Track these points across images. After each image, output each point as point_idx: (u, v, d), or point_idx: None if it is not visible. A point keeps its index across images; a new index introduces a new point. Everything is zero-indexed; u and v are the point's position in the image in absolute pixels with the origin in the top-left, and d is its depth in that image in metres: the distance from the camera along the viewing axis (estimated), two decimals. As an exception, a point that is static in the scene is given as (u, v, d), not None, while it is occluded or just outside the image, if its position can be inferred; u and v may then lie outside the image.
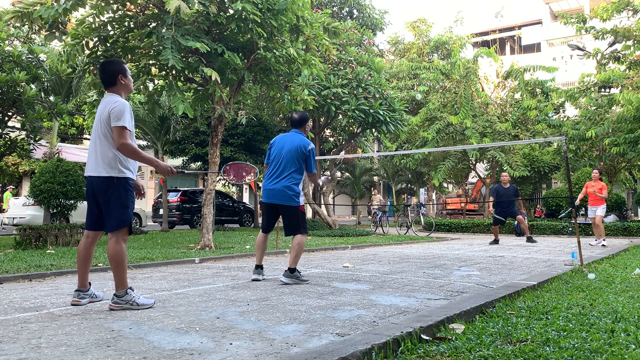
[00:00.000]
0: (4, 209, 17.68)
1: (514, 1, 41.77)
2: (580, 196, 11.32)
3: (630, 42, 15.50)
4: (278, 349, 2.55)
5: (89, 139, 24.27)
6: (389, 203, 30.10)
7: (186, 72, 8.71)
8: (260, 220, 25.04)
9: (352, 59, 14.85)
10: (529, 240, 11.47)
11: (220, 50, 7.93)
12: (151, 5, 8.53)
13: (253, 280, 5.07)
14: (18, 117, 10.35)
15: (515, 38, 43.95)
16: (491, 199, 12.05)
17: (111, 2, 8.06)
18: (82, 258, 3.75)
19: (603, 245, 10.17)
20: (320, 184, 5.62)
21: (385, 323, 3.04)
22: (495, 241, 11.23)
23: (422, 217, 16.62)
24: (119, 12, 8.48)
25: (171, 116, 15.18)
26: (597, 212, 10.71)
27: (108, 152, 3.61)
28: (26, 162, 21.31)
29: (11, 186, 22.09)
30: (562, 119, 19.70)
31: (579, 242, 6.35)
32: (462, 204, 26.57)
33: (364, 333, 2.63)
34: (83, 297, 3.77)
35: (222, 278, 5.32)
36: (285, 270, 4.96)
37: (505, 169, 17.01)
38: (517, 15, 42.71)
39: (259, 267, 5.15)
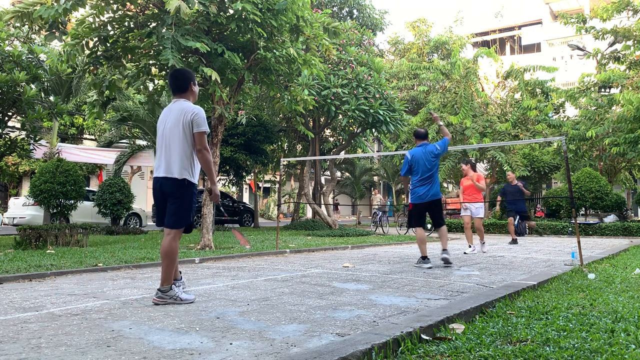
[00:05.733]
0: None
1: (514, 1, 41.81)
2: (461, 198, 9.33)
3: (630, 42, 15.52)
4: (278, 349, 2.55)
5: (89, 139, 24.41)
6: (389, 203, 30.10)
7: (186, 72, 8.70)
8: (259, 220, 25.21)
9: (352, 59, 14.84)
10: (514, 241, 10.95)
11: (220, 50, 7.92)
12: (151, 5, 8.52)
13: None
14: (18, 117, 10.35)
15: (515, 38, 44.00)
16: (498, 198, 12.03)
17: (111, 2, 8.06)
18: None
19: (483, 251, 8.88)
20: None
21: (385, 323, 3.04)
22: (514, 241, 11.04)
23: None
24: (119, 12, 8.47)
25: (171, 116, 15.15)
26: (478, 214, 9.04)
27: (184, 156, 3.88)
28: (26, 162, 21.31)
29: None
30: (562, 119, 19.72)
31: (579, 242, 6.35)
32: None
33: (364, 333, 2.63)
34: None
35: (222, 278, 5.32)
36: (444, 249, 6.57)
37: (505, 169, 17.02)
38: (517, 15, 42.77)
39: (426, 258, 6.42)
